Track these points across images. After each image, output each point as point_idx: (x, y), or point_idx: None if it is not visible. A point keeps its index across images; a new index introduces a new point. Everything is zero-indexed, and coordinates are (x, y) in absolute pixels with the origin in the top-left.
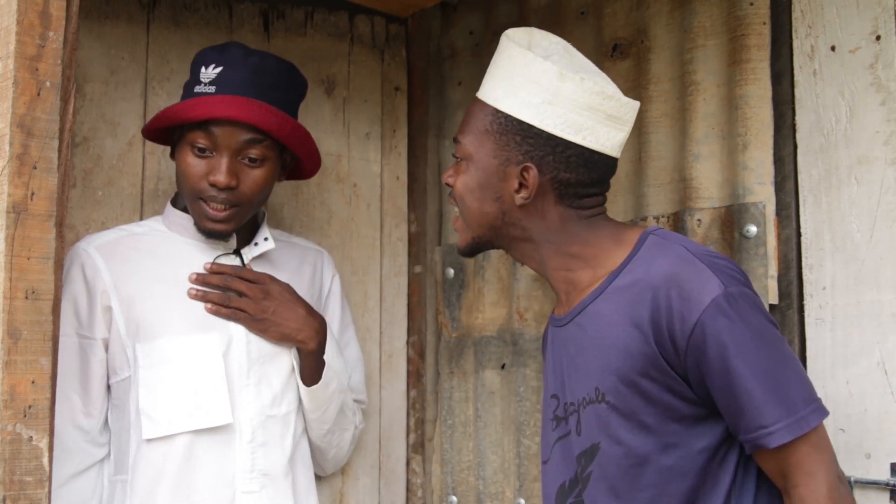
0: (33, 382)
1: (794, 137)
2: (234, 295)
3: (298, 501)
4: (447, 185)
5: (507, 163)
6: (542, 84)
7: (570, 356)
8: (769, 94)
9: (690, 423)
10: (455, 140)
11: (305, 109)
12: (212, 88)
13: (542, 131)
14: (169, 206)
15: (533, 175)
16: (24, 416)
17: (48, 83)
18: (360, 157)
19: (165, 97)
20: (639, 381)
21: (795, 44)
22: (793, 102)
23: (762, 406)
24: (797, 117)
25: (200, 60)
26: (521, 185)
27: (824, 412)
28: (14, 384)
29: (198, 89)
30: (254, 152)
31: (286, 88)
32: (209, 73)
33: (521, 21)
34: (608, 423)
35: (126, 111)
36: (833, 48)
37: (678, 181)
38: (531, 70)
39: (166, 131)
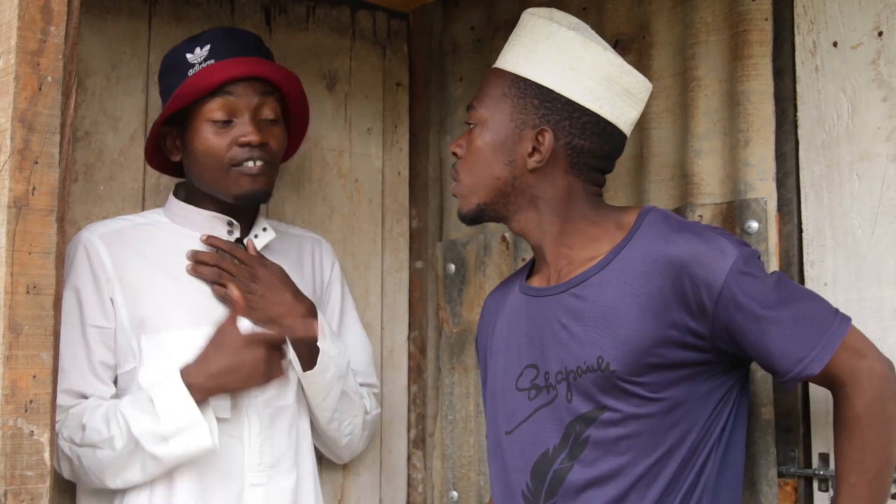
0: (34, 377)
1: (796, 134)
2: (226, 273)
3: (304, 494)
4: (454, 154)
5: (523, 126)
6: (565, 51)
7: (558, 325)
8: (771, 90)
9: (697, 382)
10: (469, 107)
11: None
12: (211, 61)
13: (561, 96)
14: (172, 198)
15: (548, 138)
16: (26, 410)
17: (49, 78)
18: (361, 153)
19: None
20: (652, 348)
21: (797, 40)
22: (794, 98)
23: (798, 341)
24: (799, 113)
25: (181, 51)
26: (534, 149)
27: (848, 317)
28: (15, 379)
29: (194, 70)
30: (268, 110)
31: (260, 47)
32: (200, 52)
33: None
34: (612, 389)
35: (128, 106)
36: (835, 44)
37: (679, 177)
38: (555, 38)
39: (159, 145)
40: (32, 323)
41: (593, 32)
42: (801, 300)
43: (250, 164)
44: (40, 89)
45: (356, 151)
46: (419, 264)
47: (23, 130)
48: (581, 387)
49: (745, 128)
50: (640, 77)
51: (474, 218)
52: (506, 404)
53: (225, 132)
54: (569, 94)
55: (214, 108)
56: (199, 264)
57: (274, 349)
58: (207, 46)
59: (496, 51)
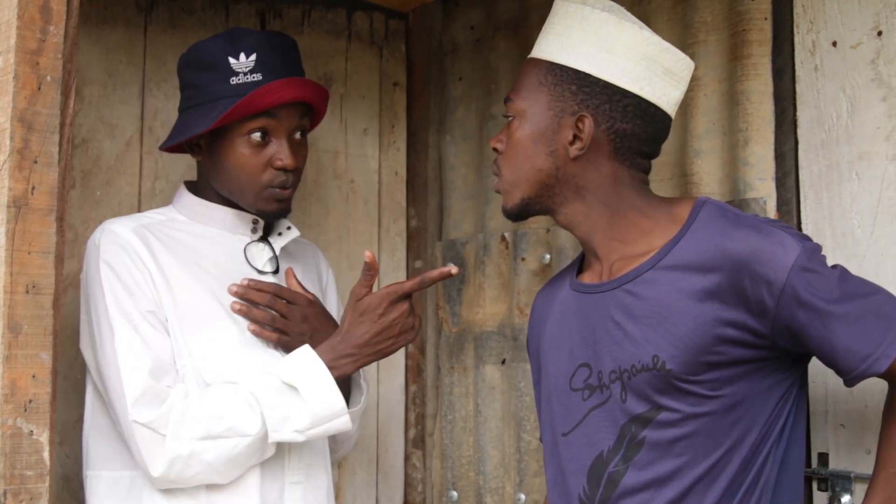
0: (34, 377)
1: (795, 133)
2: (277, 316)
3: (329, 492)
4: (494, 150)
5: (562, 113)
6: (599, 34)
7: (612, 323)
8: (770, 89)
9: (756, 378)
10: (506, 100)
11: None
12: (258, 76)
13: (599, 80)
14: (188, 195)
15: (588, 124)
16: (25, 410)
17: (49, 77)
18: (357, 154)
19: (163, 98)
20: (709, 347)
21: (797, 39)
22: (794, 98)
23: (863, 337)
24: (798, 113)
25: (220, 51)
26: (575, 137)
27: None
28: (14, 378)
29: (238, 80)
30: (302, 130)
31: (300, 60)
32: (245, 61)
33: (523, 16)
34: (668, 389)
35: (124, 113)
36: (834, 44)
37: (679, 176)
38: (588, 22)
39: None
40: (32, 322)
41: (628, 13)
42: (865, 295)
43: (282, 188)
44: (39, 89)
45: (352, 152)
46: (418, 264)
47: (22, 130)
48: (636, 386)
49: (745, 127)
50: (681, 55)
51: (519, 213)
52: (561, 405)
53: (260, 150)
54: (607, 77)
55: (254, 128)
56: (250, 307)
57: (410, 299)
58: (253, 56)
59: (496, 50)
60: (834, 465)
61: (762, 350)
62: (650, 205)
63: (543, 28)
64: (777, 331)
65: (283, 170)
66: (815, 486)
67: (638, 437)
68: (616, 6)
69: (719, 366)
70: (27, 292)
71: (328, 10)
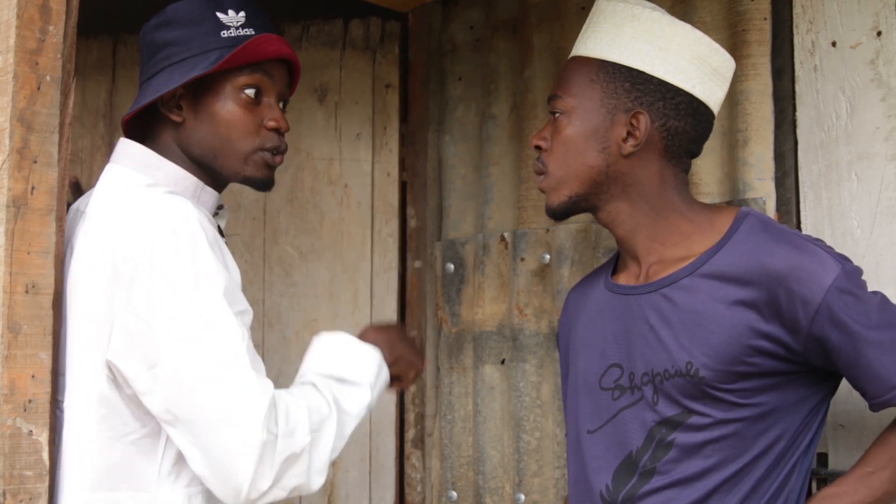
0: (33, 377)
1: (795, 133)
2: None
3: None
4: (537, 147)
5: (616, 110)
6: (653, 32)
7: (646, 326)
8: (770, 89)
9: (789, 389)
10: (552, 97)
11: (299, 117)
12: (250, 31)
13: (653, 77)
14: (169, 165)
15: (644, 121)
16: (24, 410)
17: (48, 77)
18: (350, 159)
19: None
20: (742, 357)
21: (796, 39)
22: (793, 98)
23: (893, 367)
24: (798, 113)
25: (205, 7)
26: (629, 134)
27: None
28: (14, 378)
29: (229, 33)
30: (286, 98)
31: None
32: (237, 17)
33: (522, 16)
34: (700, 396)
35: None
36: (834, 44)
37: None
38: (640, 21)
39: (146, 114)
40: (31, 322)
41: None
42: None
43: (277, 153)
44: (39, 88)
45: (346, 157)
46: (418, 264)
47: (21, 130)
48: (667, 391)
49: (744, 127)
50: (727, 55)
51: (565, 211)
52: (589, 403)
53: (252, 110)
54: (661, 75)
55: (249, 83)
56: None
57: None
58: (242, 13)
59: (495, 50)
60: (833, 465)
61: (794, 364)
62: (692, 209)
63: (586, 27)
64: (808, 348)
65: (276, 131)
66: (815, 486)
67: (667, 440)
68: (660, 7)
69: (751, 376)
70: (26, 292)
71: (325, 23)
